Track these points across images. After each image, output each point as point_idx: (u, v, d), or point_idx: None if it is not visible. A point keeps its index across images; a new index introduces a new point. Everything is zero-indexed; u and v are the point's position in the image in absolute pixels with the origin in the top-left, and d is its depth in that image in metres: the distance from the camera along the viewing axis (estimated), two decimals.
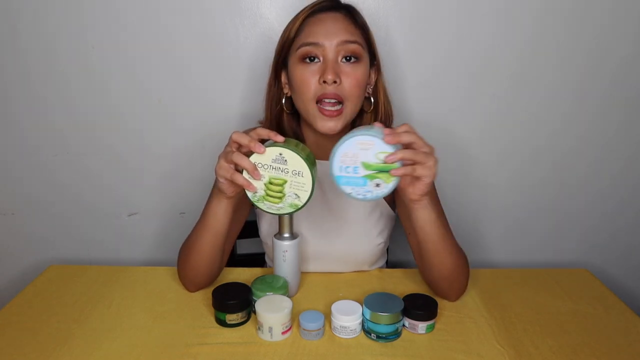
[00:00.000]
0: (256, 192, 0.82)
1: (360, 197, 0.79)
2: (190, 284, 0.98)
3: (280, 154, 0.80)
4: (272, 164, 0.80)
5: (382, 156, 0.76)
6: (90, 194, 1.33)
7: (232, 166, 0.81)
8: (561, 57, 1.23)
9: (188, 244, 0.96)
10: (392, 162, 0.76)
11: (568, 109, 1.28)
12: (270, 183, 0.81)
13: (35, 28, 1.19)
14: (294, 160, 0.80)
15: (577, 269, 1.12)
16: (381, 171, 0.77)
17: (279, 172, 0.81)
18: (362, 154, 0.77)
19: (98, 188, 1.32)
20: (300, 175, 0.81)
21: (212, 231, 0.91)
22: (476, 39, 1.21)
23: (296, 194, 0.82)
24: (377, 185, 0.78)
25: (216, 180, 0.86)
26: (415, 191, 0.82)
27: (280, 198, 0.82)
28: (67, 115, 1.26)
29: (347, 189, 0.79)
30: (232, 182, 0.83)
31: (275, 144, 0.80)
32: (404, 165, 0.77)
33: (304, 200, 0.82)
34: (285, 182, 0.81)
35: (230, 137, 0.81)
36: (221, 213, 0.90)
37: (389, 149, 0.76)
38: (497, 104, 1.26)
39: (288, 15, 0.98)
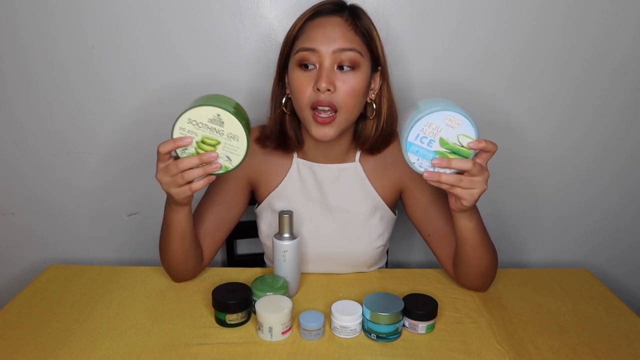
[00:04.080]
0: (185, 150, 0.80)
1: (421, 169, 0.80)
2: (174, 278, 1.02)
3: (218, 115, 0.78)
4: (208, 124, 0.78)
5: (462, 139, 0.76)
6: (90, 194, 1.33)
7: (182, 179, 0.81)
8: (561, 57, 1.23)
9: (160, 247, 0.97)
10: (441, 167, 0.78)
11: (568, 109, 1.28)
12: (203, 142, 0.79)
13: (35, 28, 1.19)
14: (232, 124, 0.78)
15: (577, 269, 1.12)
16: (453, 152, 0.77)
17: (213, 133, 0.79)
18: (444, 130, 0.76)
19: (98, 188, 1.33)
20: (236, 139, 0.79)
21: (179, 235, 0.93)
22: (476, 39, 1.21)
23: (228, 157, 0.81)
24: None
25: (171, 199, 0.87)
26: (455, 205, 0.85)
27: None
28: (67, 115, 1.26)
29: (413, 158, 0.79)
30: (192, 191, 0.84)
31: (214, 103, 0.78)
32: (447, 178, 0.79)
33: (235, 164, 0.81)
34: (219, 143, 0.80)
35: (158, 152, 0.80)
36: (184, 218, 0.91)
37: (473, 134, 0.76)
38: (497, 104, 1.26)
39: (288, 15, 0.98)
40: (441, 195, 1.02)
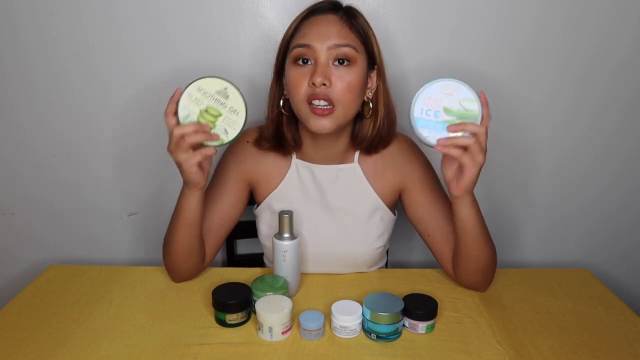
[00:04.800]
0: (188, 117, 0.84)
1: (433, 141, 0.82)
2: (174, 276, 1.01)
3: (225, 89, 0.84)
4: (215, 95, 0.84)
5: (465, 103, 0.81)
6: (90, 194, 1.33)
7: (184, 142, 0.83)
8: (561, 57, 1.23)
9: (166, 239, 0.98)
10: (455, 132, 0.81)
11: (568, 109, 1.28)
12: (206, 111, 0.84)
13: (35, 28, 1.19)
14: (236, 99, 0.85)
15: (577, 269, 1.12)
16: (460, 117, 0.81)
17: (217, 105, 0.84)
18: (445, 99, 0.81)
19: (98, 188, 1.32)
20: (236, 114, 0.85)
21: (186, 223, 0.94)
22: (476, 39, 1.21)
23: (226, 130, 0.85)
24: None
25: (185, 177, 0.90)
26: (459, 186, 0.86)
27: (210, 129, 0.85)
28: (67, 115, 1.26)
29: (424, 132, 0.82)
30: (201, 165, 0.87)
31: (223, 78, 0.85)
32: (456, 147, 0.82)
33: (230, 137, 0.86)
34: (220, 115, 0.85)
35: (173, 134, 0.83)
36: (195, 205, 0.93)
37: (473, 97, 0.81)
38: (497, 104, 1.26)
39: (288, 15, 0.98)
40: (440, 195, 1.02)
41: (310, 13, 0.93)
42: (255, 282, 0.91)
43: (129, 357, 0.79)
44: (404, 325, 0.86)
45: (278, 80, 0.98)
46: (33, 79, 1.23)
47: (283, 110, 0.98)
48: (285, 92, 0.97)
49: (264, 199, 1.05)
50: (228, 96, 0.84)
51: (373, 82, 0.96)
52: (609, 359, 0.80)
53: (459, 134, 0.82)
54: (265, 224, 1.05)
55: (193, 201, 0.92)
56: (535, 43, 1.21)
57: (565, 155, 1.32)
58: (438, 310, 0.87)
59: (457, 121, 0.82)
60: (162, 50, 1.21)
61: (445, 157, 0.88)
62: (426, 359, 0.79)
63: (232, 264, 1.32)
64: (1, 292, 1.38)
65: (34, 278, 1.03)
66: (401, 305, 0.84)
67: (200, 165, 0.87)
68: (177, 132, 0.83)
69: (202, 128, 0.83)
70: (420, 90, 0.82)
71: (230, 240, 1.30)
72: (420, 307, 0.85)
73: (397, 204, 1.08)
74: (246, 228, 1.19)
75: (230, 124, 0.85)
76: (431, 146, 0.84)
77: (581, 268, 1.12)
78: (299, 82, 0.90)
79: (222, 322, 0.87)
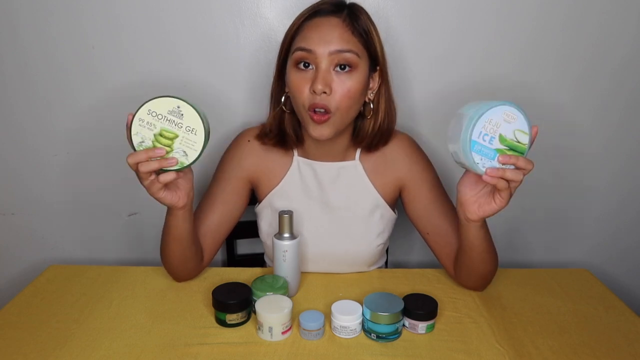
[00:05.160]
0: (142, 142, 0.78)
1: (482, 169, 0.76)
2: (174, 278, 1.02)
3: (178, 107, 0.78)
4: (167, 115, 0.78)
5: (518, 134, 0.75)
6: (90, 194, 1.33)
7: (152, 178, 0.80)
8: (561, 57, 1.23)
9: (161, 249, 0.98)
10: (505, 163, 0.76)
11: (568, 109, 1.28)
12: (161, 135, 0.78)
13: (35, 28, 1.19)
14: (191, 116, 0.78)
15: (577, 269, 1.12)
16: (512, 148, 0.76)
17: (172, 125, 0.78)
18: (503, 126, 0.75)
19: (98, 188, 1.32)
20: (194, 132, 0.79)
21: (176, 239, 0.93)
22: (476, 39, 1.21)
23: (184, 152, 0.79)
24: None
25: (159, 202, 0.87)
26: (480, 212, 0.84)
27: (167, 153, 0.79)
28: (67, 115, 1.26)
29: (477, 158, 0.75)
30: (169, 189, 0.84)
31: (175, 96, 0.78)
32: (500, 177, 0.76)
33: (191, 159, 0.80)
34: (177, 136, 0.78)
35: (129, 164, 0.79)
36: (180, 223, 0.91)
37: (527, 128, 0.75)
38: None
39: (288, 15, 0.98)
40: (440, 194, 1.02)
41: (313, 14, 0.92)
42: (255, 282, 0.91)
43: (129, 357, 0.79)
44: (404, 325, 0.86)
45: (280, 77, 0.98)
46: (33, 79, 1.23)
47: (284, 108, 0.98)
48: (286, 90, 0.97)
49: (265, 196, 1.05)
50: (182, 114, 0.78)
51: (375, 82, 0.96)
52: (609, 359, 0.80)
53: (509, 165, 0.76)
54: (266, 222, 1.05)
55: (177, 220, 0.91)
56: (535, 43, 1.21)
57: (565, 155, 1.32)
58: (438, 310, 0.87)
59: (508, 152, 0.76)
60: (162, 51, 1.21)
61: (469, 178, 0.85)
62: (426, 359, 0.79)
63: (232, 264, 1.32)
64: (1, 292, 1.38)
65: (34, 278, 1.03)
66: (401, 305, 0.84)
67: (175, 187, 0.86)
68: (130, 161, 0.78)
69: (154, 154, 0.78)
70: (480, 111, 0.74)
71: (230, 240, 1.30)
72: (420, 307, 0.85)
73: (397, 202, 1.08)
74: (246, 228, 1.19)
75: (188, 145, 0.79)
76: (475, 172, 0.78)
77: (581, 268, 1.12)
78: (301, 87, 0.90)
79: (222, 322, 0.87)
